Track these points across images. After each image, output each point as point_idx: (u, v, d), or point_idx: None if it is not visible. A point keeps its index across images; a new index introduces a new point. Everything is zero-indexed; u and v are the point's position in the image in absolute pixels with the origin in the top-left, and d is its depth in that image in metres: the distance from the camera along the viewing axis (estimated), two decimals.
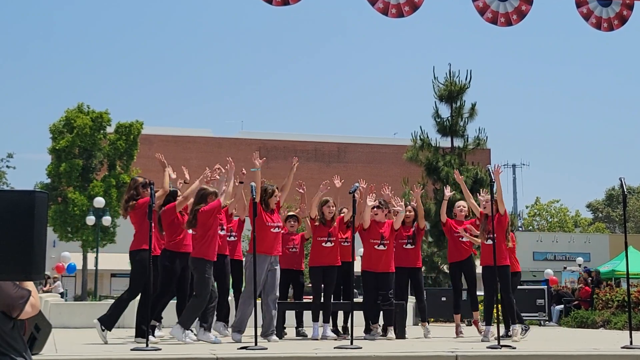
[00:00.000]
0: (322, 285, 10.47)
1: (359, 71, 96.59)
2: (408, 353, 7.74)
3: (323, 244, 10.40)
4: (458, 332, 11.27)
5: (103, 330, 8.91)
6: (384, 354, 7.50)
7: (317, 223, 10.44)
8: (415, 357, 7.65)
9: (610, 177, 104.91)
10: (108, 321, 9.03)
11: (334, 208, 10.50)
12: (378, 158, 55.28)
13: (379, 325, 10.69)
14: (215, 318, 9.93)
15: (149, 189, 8.95)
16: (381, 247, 10.42)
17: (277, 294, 9.77)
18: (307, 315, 10.88)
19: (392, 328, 10.29)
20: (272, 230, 9.63)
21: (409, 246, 11.08)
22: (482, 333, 10.37)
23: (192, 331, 9.49)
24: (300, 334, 10.93)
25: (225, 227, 10.10)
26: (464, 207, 11.56)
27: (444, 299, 16.66)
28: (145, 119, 39.08)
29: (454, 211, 11.62)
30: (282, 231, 10.05)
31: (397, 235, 10.94)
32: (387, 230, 10.50)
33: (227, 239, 10.32)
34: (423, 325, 11.26)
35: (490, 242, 9.80)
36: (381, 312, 10.65)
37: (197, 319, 9.45)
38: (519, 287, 21.99)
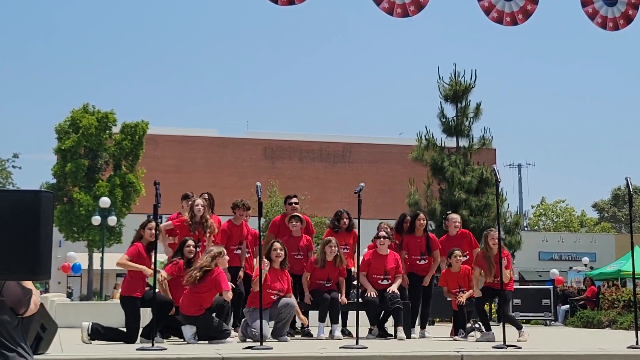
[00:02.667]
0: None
1: (364, 71, 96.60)
2: (413, 353, 7.74)
3: (324, 285, 10.46)
4: (453, 333, 11.28)
5: (89, 336, 8.90)
6: (389, 354, 7.49)
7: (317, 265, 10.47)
8: (421, 357, 7.64)
9: (616, 176, 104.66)
10: (97, 334, 9.00)
11: (336, 248, 10.42)
12: (383, 158, 55.19)
13: (375, 327, 10.75)
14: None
15: (148, 228, 9.16)
16: (384, 282, 10.55)
17: (295, 304, 9.84)
18: (313, 315, 10.88)
19: (401, 328, 10.27)
20: (271, 297, 9.61)
21: (422, 262, 11.19)
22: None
23: None
24: (305, 334, 10.92)
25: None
26: (459, 221, 11.53)
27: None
28: (151, 119, 39.13)
29: (447, 224, 11.60)
30: (280, 297, 9.83)
31: (410, 250, 11.15)
32: (390, 264, 10.58)
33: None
34: (422, 330, 11.28)
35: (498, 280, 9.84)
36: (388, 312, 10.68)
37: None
38: (524, 287, 22.07)
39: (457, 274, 10.89)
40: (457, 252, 10.86)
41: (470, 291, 10.75)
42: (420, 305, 11.33)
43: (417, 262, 11.18)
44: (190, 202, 10.57)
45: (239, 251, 10.66)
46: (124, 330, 9.12)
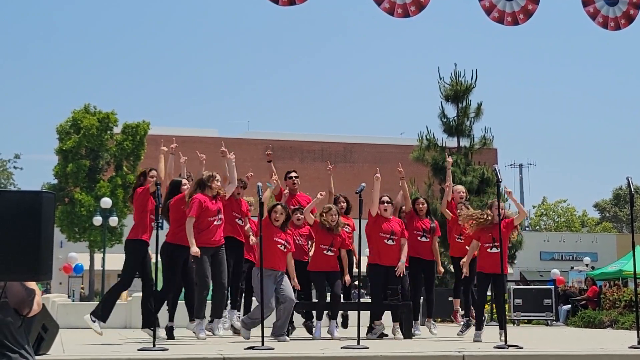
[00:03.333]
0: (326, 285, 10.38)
1: (365, 71, 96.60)
2: (415, 353, 7.73)
3: (324, 251, 10.25)
4: (457, 317, 11.21)
5: (94, 322, 8.97)
6: (391, 354, 7.49)
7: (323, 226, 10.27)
8: (423, 357, 7.63)
9: (618, 176, 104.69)
10: (102, 313, 9.07)
11: (337, 216, 10.25)
12: (384, 158, 55.09)
13: (382, 323, 10.51)
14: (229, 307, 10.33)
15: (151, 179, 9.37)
16: (390, 242, 10.16)
17: (294, 299, 9.76)
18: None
19: (397, 324, 10.19)
20: (278, 246, 9.53)
21: (423, 239, 10.86)
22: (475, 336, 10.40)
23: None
24: (309, 329, 10.84)
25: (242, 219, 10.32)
26: (463, 191, 11.48)
27: (450, 298, 16.68)
28: (152, 119, 39.17)
29: (452, 195, 11.48)
30: (289, 250, 9.80)
31: (412, 226, 10.83)
32: (395, 226, 10.32)
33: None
34: (428, 320, 11.17)
35: (494, 250, 9.77)
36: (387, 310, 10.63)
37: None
38: (525, 287, 22.06)
39: (463, 228, 10.65)
40: (460, 187, 10.76)
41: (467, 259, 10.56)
42: (421, 298, 11.20)
43: (419, 238, 10.85)
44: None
45: (240, 222, 10.39)
46: (110, 289, 9.29)
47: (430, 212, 11.35)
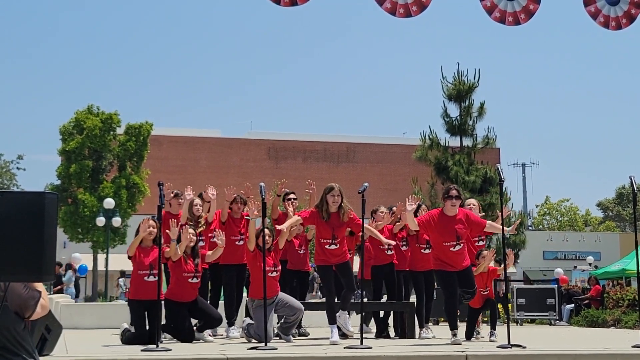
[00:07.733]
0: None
1: (367, 71, 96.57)
2: (418, 353, 7.74)
3: (327, 246, 8.95)
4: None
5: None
6: (394, 354, 7.49)
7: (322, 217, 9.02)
8: (425, 357, 7.63)
9: (621, 175, 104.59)
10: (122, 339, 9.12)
11: (339, 197, 8.93)
12: (387, 158, 55.16)
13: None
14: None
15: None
16: (457, 248, 9.28)
17: (302, 308, 9.74)
18: (315, 315, 10.86)
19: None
20: (270, 274, 9.22)
21: (427, 251, 10.53)
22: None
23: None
24: (300, 334, 10.84)
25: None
26: (474, 205, 11.37)
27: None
28: (155, 120, 39.25)
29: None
30: (278, 273, 9.66)
31: (419, 239, 10.65)
32: (461, 225, 9.36)
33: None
34: (420, 330, 11.05)
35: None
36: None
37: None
38: (529, 286, 22.06)
39: (483, 274, 10.35)
40: (485, 252, 10.35)
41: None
42: (424, 303, 11.21)
43: (422, 250, 10.66)
44: (180, 200, 10.55)
45: (241, 242, 10.46)
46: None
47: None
